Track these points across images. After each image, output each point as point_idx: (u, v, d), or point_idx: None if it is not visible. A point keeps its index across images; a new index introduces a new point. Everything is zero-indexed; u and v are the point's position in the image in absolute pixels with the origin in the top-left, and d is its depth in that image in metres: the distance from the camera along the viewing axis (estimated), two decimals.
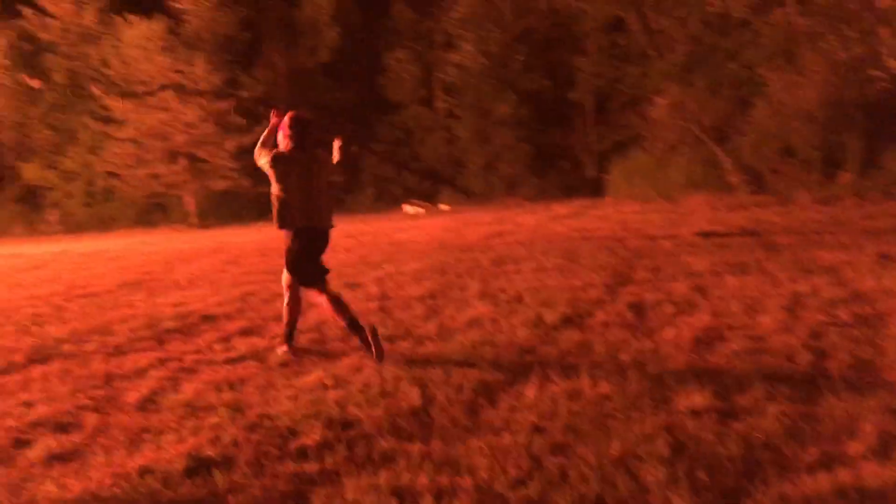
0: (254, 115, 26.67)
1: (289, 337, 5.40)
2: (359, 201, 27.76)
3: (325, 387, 4.44)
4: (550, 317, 5.88)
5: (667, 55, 19.96)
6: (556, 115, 26.96)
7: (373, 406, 4.04)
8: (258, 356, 5.31)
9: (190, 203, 26.23)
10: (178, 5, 28.48)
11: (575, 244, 10.46)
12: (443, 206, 24.10)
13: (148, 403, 4.36)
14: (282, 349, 5.36)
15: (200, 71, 25.65)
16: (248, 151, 24.00)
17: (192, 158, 26.00)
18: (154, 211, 28.04)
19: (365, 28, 32.58)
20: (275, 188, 5.24)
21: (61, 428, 3.99)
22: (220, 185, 25.92)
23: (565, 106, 26.55)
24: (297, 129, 5.30)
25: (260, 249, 12.46)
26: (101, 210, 28.21)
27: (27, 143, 29.51)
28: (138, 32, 26.27)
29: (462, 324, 5.89)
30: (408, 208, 23.66)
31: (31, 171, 28.43)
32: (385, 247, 11.71)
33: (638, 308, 6.10)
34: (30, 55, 29.53)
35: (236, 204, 27.38)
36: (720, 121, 18.25)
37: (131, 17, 26.69)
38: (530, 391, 4.13)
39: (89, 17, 29.19)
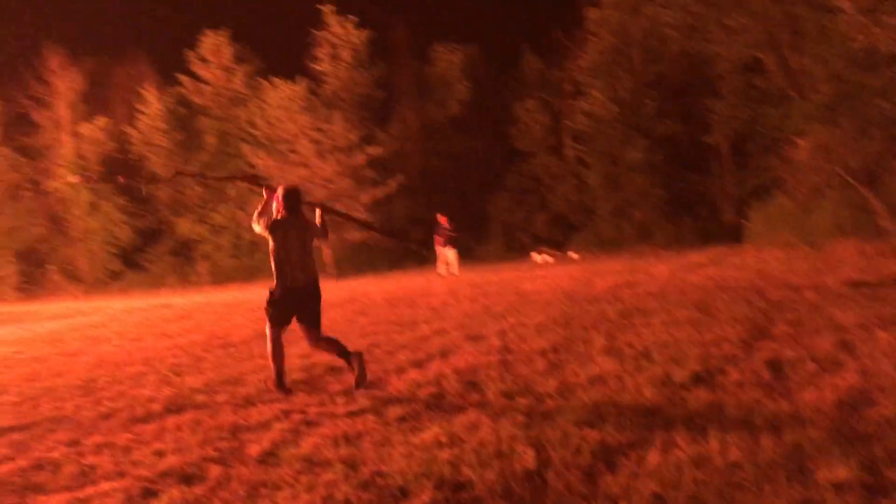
0: (387, 169, 27.63)
1: (278, 380, 6.14)
2: (487, 250, 27.92)
3: (440, 445, 4.38)
4: (679, 375, 5.57)
5: (808, 95, 18.93)
6: (691, 159, 26.21)
7: (486, 467, 3.93)
8: (377, 410, 5.32)
9: (327, 254, 27.25)
10: (318, 67, 30.19)
11: (710, 295, 9.96)
12: (572, 255, 23.77)
13: (269, 457, 4.44)
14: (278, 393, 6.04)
15: (338, 128, 26.89)
16: (381, 204, 24.79)
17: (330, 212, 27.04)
18: None
19: (494, 80, 33.17)
20: (273, 248, 6.24)
21: (186, 479, 4.13)
22: (356, 236, 26.82)
23: (701, 150, 25.74)
24: (288, 199, 6.31)
25: (389, 300, 12.69)
26: (247, 262, 29.86)
27: (181, 199, 31.84)
28: (282, 94, 28.01)
29: (584, 380, 5.69)
30: (536, 257, 23.49)
31: (184, 226, 30.60)
32: (510, 297, 11.61)
33: (776, 366, 5.67)
34: (185, 118, 32.02)
35: (370, 254, 28.27)
36: (870, 162, 17.02)
37: (276, 81, 28.54)
38: (653, 456, 3.89)
39: (238, 82, 31.45)
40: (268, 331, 6.30)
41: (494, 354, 6.93)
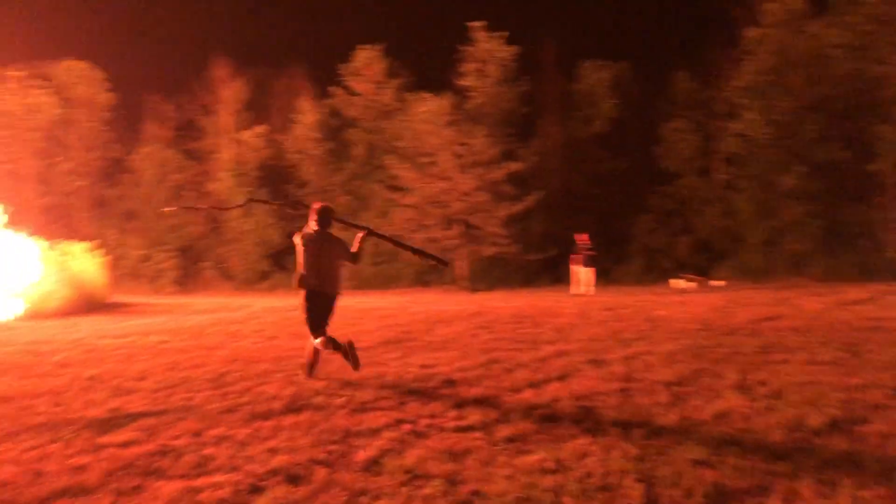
0: (526, 185, 27.53)
1: (310, 369, 7.35)
2: (626, 272, 27.17)
3: (545, 470, 4.25)
4: (814, 419, 5.13)
5: None
6: (852, 188, 24.36)
7: (588, 499, 3.77)
8: (487, 427, 5.25)
9: (462, 267, 27.48)
10: (464, 83, 30.61)
11: (862, 335, 9.17)
12: (715, 282, 22.68)
13: (373, 464, 4.47)
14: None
15: (480, 143, 27.09)
16: (517, 220, 24.72)
17: (466, 225, 27.31)
18: (430, 272, 29.79)
19: (642, 98, 32.35)
20: (300, 259, 7.18)
21: (292, 479, 4.21)
22: (490, 250, 26.88)
23: (864, 178, 23.85)
24: (319, 215, 7.24)
25: (515, 317, 12.59)
26: (386, 269, 30.60)
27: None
28: (428, 108, 28.58)
29: (708, 416, 5.36)
30: (676, 282, 22.60)
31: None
32: (642, 322, 11.20)
33: None
34: (336, 129, 33.37)
35: (504, 269, 28.24)
36: None
37: (423, 95, 29.18)
38: None
39: (388, 96, 32.42)
40: (311, 331, 7.38)
41: (615, 381, 6.68)
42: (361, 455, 4.64)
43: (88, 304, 15.08)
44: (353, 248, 7.35)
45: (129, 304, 19.23)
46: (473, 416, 5.60)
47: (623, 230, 29.65)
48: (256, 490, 4.06)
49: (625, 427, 5.08)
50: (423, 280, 29.38)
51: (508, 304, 16.18)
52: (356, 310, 14.41)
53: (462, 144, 27.51)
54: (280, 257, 32.61)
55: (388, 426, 5.33)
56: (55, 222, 31.02)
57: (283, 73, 36.16)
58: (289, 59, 35.66)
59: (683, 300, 15.62)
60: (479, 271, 28.08)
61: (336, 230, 7.51)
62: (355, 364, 7.22)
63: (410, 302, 17.89)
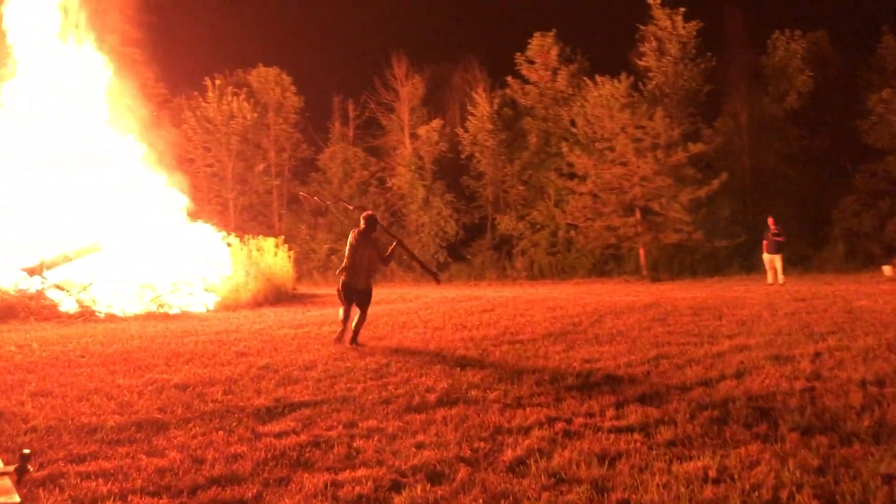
0: (711, 168, 25.99)
1: (341, 335, 9.20)
2: (826, 259, 24.90)
3: (706, 479, 3.82)
4: None
5: None
6: None
7: None
8: (646, 429, 4.86)
9: (642, 255, 26.47)
10: (642, 63, 29.43)
11: None
12: None
13: (519, 465, 4.25)
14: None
15: (660, 125, 25.90)
16: (703, 205, 23.36)
17: (646, 211, 26.25)
18: (609, 262, 29.00)
19: (843, 68, 29.46)
20: (347, 254, 9.20)
21: (434, 477, 4.09)
22: (673, 237, 25.66)
23: None
24: (367, 222, 9.31)
25: (694, 307, 11.82)
26: (562, 259, 30.19)
27: (504, 197, 33.22)
28: (604, 92, 27.77)
29: None
30: (887, 270, 20.35)
31: (505, 223, 31.87)
32: (838, 314, 10.10)
33: None
34: (510, 119, 33.30)
35: (689, 257, 26.87)
36: None
37: (599, 79, 28.38)
38: None
39: (562, 81, 31.88)
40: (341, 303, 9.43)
41: (800, 380, 6.00)
42: (508, 454, 4.43)
43: (276, 296, 15.98)
44: (386, 253, 9.55)
45: (314, 295, 20.24)
46: (633, 415, 5.22)
47: (823, 213, 27.21)
48: (397, 487, 3.97)
49: (805, 433, 4.52)
50: (601, 270, 28.64)
51: (689, 294, 15.30)
52: (526, 300, 14.21)
53: (640, 127, 26.45)
54: (456, 248, 33.14)
55: (539, 424, 5.09)
56: (252, 219, 33.45)
57: (458, 67, 36.64)
58: (464, 52, 35.87)
59: (892, 289, 13.99)
60: (660, 260, 26.93)
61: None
62: (338, 339, 9.15)
63: (584, 293, 17.43)
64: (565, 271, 29.16)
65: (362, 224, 9.26)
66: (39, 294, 13.65)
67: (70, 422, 5.43)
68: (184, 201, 19.34)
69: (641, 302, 13.14)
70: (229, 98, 33.31)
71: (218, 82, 33.23)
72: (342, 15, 41.48)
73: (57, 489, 3.99)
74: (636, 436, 4.72)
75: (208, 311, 14.97)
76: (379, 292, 21.61)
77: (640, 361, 7.21)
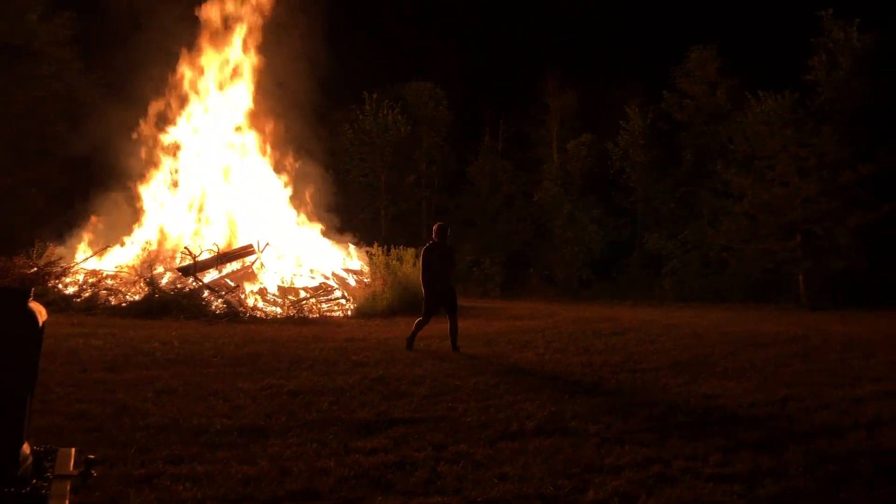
0: (883, 190, 23.84)
1: (410, 340, 10.07)
2: None
3: None
4: None
5: None
6: None
7: None
8: (751, 480, 4.45)
9: (801, 282, 24.67)
10: (810, 77, 27.55)
11: None
12: None
13: None
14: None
15: (827, 143, 24.05)
16: (872, 229, 21.39)
17: (808, 235, 24.45)
18: (766, 287, 27.26)
19: None
20: (427, 264, 10.02)
21: None
22: (838, 264, 23.70)
23: None
24: (440, 231, 10.28)
25: (845, 343, 10.81)
26: (714, 281, 28.72)
27: (654, 213, 32.11)
28: (766, 107, 26.24)
29: None
30: None
31: (654, 241, 30.77)
32: None
33: None
34: (664, 134, 32.19)
35: (855, 286, 24.73)
36: None
37: (761, 93, 26.85)
38: None
39: (721, 96, 30.44)
40: (423, 316, 10.11)
41: None
42: (590, 495, 4.21)
43: (412, 306, 16.27)
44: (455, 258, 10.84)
45: None
46: (741, 463, 4.81)
47: None
48: None
49: None
50: (757, 296, 26.92)
51: (846, 327, 14.05)
52: (663, 325, 13.57)
53: (805, 146, 24.67)
54: (602, 266, 32.35)
55: (635, 464, 4.80)
56: (402, 229, 34.27)
57: (611, 81, 35.86)
58: (619, 66, 35.01)
59: None
60: (822, 288, 24.94)
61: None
62: (408, 345, 10.02)
63: (731, 319, 16.44)
64: (717, 295, 27.67)
65: (435, 236, 10.29)
66: (192, 293, 14.64)
67: (182, 422, 5.74)
68: (332, 211, 20.18)
69: (788, 333, 12.20)
70: (385, 111, 34.39)
71: (374, 95, 34.40)
72: (497, 31, 41.77)
73: (147, 489, 4.20)
74: (736, 486, 4.35)
75: (345, 317, 15.46)
76: (511, 307, 21.54)
77: (765, 401, 6.66)
